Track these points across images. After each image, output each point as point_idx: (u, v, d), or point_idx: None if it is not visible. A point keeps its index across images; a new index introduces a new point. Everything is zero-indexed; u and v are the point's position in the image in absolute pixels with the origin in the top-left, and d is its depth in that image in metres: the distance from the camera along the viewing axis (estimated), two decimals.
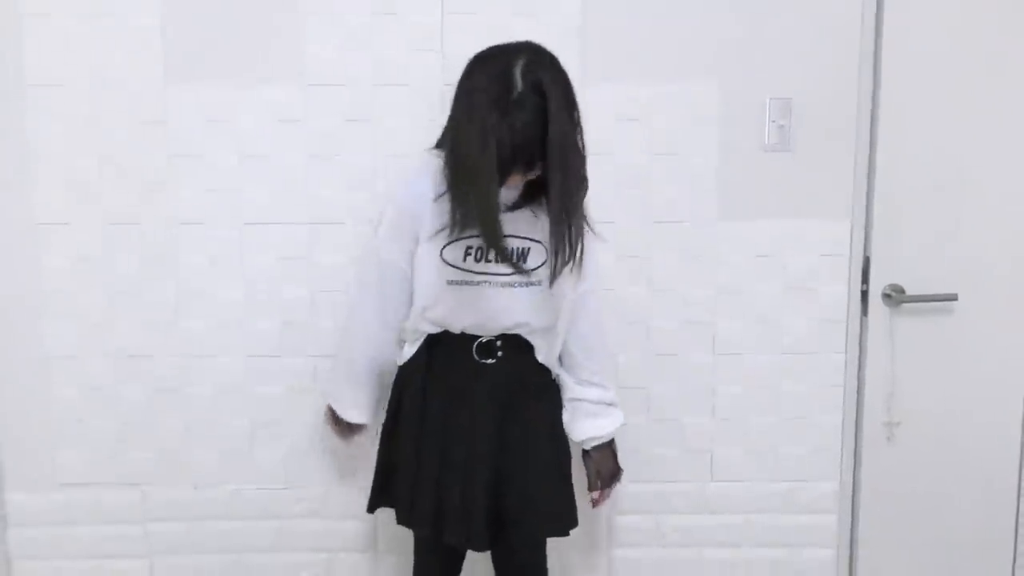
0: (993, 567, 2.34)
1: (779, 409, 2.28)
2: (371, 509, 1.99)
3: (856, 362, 2.27)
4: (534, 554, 1.99)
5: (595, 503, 1.95)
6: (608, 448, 1.94)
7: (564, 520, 1.89)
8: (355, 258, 2.15)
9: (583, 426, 1.91)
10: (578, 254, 1.76)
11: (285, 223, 2.15)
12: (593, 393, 1.91)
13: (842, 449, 2.29)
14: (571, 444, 1.94)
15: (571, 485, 1.93)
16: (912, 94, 2.16)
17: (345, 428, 2.07)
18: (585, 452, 1.94)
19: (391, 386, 1.97)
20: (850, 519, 2.33)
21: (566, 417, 1.92)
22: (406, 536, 2.25)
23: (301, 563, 2.30)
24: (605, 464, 1.95)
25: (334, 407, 2.04)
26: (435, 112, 2.10)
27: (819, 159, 2.18)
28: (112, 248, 2.16)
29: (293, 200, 2.15)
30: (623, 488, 2.27)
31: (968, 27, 2.15)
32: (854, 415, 2.29)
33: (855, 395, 2.28)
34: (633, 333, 2.21)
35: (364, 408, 2.01)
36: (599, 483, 1.94)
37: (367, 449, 2.13)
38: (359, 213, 2.14)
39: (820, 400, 2.27)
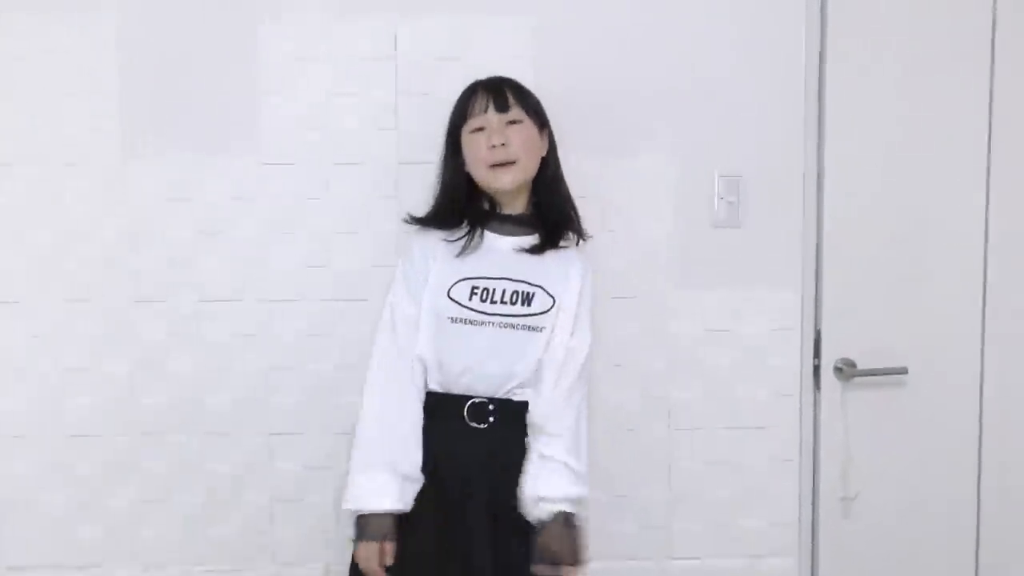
0: None
1: (736, 482, 2.27)
2: None
3: (811, 435, 2.28)
4: None
5: None
6: (565, 525, 1.78)
7: None
8: (310, 334, 2.16)
9: (537, 482, 1.79)
10: (576, 226, 1.95)
11: (241, 300, 2.16)
12: (554, 462, 1.80)
13: (799, 522, 2.28)
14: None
15: None
16: (857, 166, 2.22)
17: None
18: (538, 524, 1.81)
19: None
20: None
21: (525, 477, 1.80)
22: None
23: None
24: (559, 541, 1.76)
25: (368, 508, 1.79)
26: (390, 189, 2.14)
27: (768, 233, 2.22)
28: (68, 325, 2.15)
29: (250, 276, 2.16)
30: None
31: (910, 95, 2.22)
32: (811, 488, 2.29)
33: (811, 469, 2.29)
34: (592, 408, 2.21)
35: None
36: (543, 557, 1.75)
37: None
38: (314, 291, 2.16)
39: (776, 473, 2.27)
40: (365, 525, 1.79)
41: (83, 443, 2.18)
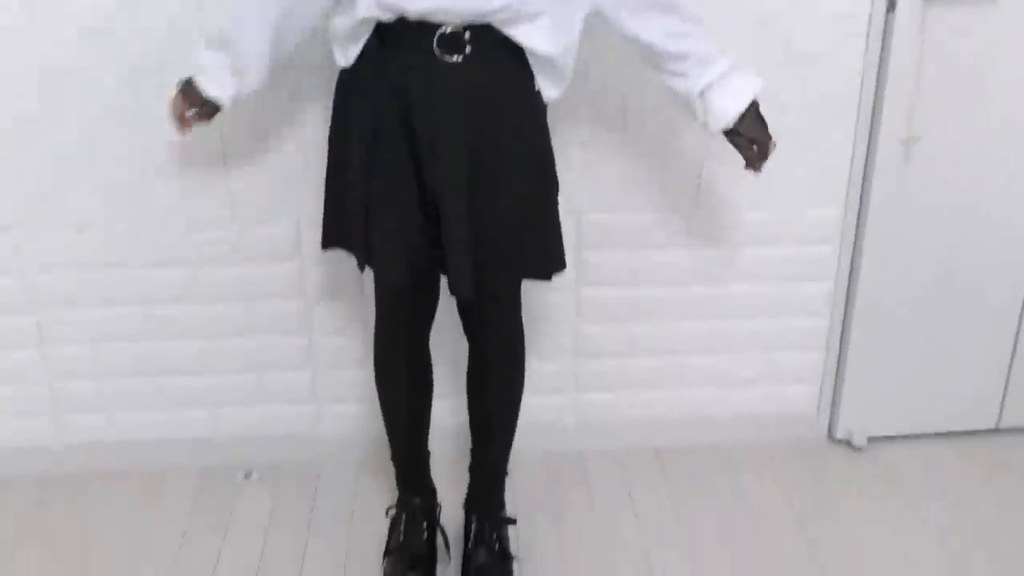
0: (1001, 318, 2.09)
1: (780, 123, 1.90)
2: (325, 246, 1.64)
3: (876, 67, 1.87)
4: (510, 304, 1.68)
5: (749, 167, 1.61)
6: (755, 113, 1.57)
7: (550, 260, 1.59)
8: None
9: (722, 104, 1.54)
10: None
11: None
12: (717, 66, 1.52)
13: (850, 168, 1.95)
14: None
15: (558, 218, 1.60)
16: None
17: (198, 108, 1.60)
18: (731, 131, 1.57)
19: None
20: (851, 251, 2.03)
21: (699, 106, 1.55)
22: (341, 276, 1.93)
23: (217, 314, 1.98)
24: (758, 131, 1.58)
25: (195, 77, 1.57)
26: None
27: None
28: None
29: None
30: (593, 223, 1.95)
31: None
32: (867, 130, 1.93)
33: (871, 107, 1.91)
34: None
35: (230, 77, 1.55)
36: (758, 152, 1.59)
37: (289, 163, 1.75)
38: None
39: (830, 113, 1.90)
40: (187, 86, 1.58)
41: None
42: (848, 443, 2.17)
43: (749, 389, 2.14)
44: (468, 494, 1.84)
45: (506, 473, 1.84)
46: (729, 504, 2.00)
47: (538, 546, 1.89)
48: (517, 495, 2.01)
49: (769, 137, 1.58)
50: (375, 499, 2.00)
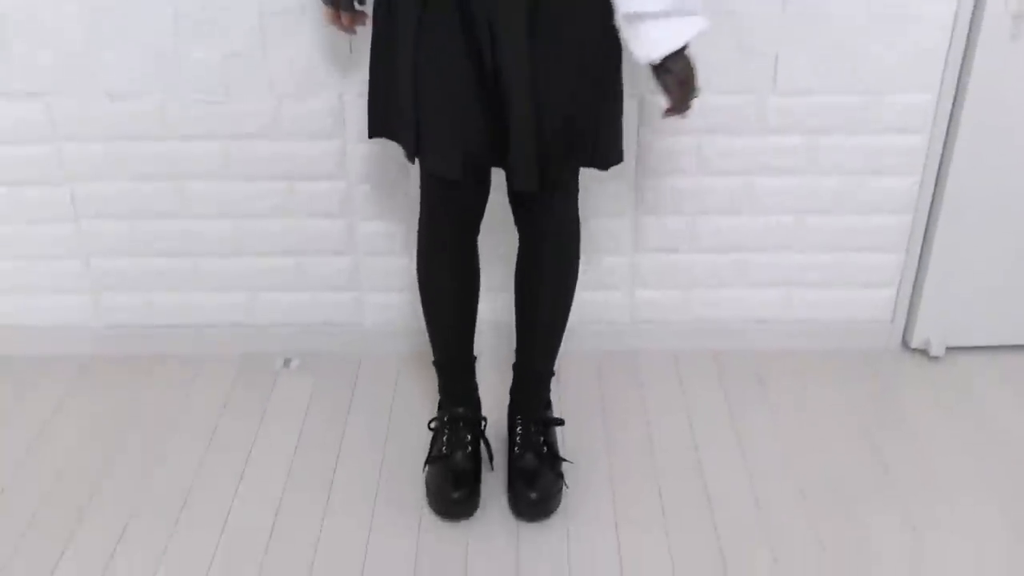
0: None
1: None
2: (372, 135, 1.53)
3: None
4: (569, 193, 1.56)
5: (670, 112, 1.39)
6: (684, 57, 1.35)
7: (611, 148, 1.48)
8: None
9: (650, 38, 1.31)
10: None
11: None
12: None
13: (949, 50, 1.76)
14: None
15: (621, 106, 1.48)
16: None
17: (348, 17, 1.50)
18: (658, 67, 1.34)
19: None
20: (943, 142, 1.84)
21: (627, 35, 1.33)
22: (386, 158, 1.82)
23: (254, 193, 1.88)
24: (684, 72, 1.35)
25: None
26: None
27: None
28: None
29: None
30: (657, 106, 1.78)
31: None
32: (972, 2, 1.72)
33: None
34: None
35: None
36: (677, 93, 1.36)
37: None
38: None
39: None
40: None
41: None
42: (924, 352, 2.02)
43: (818, 291, 2.00)
44: (513, 395, 1.74)
45: (553, 373, 1.73)
46: (790, 412, 1.88)
47: (588, 449, 1.79)
48: (566, 396, 1.91)
49: (696, 85, 1.37)
50: (417, 394, 1.92)
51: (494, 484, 1.72)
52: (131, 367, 2.01)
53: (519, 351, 1.70)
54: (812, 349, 2.03)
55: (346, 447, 1.80)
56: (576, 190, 1.57)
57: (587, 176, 1.59)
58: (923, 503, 1.66)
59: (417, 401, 1.88)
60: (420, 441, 1.76)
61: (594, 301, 1.99)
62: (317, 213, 1.91)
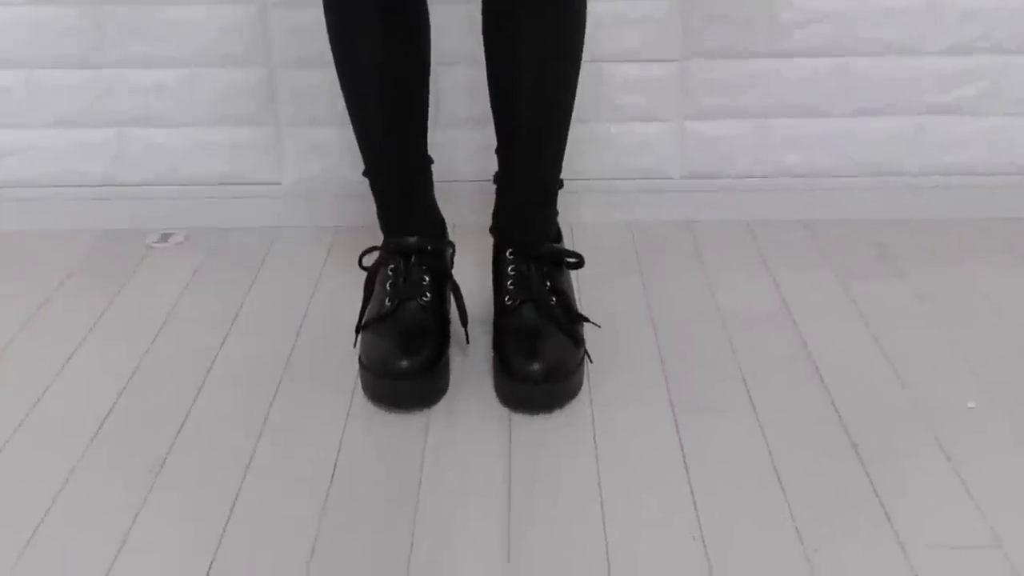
0: None
1: None
2: None
3: None
4: None
5: None
6: None
7: None
8: None
9: None
10: None
11: None
12: None
13: None
14: None
15: None
16: None
17: None
18: None
19: None
20: None
21: None
22: None
23: None
24: None
25: None
26: None
27: None
28: None
29: None
30: None
31: None
32: None
33: None
34: None
35: None
36: None
37: None
38: None
39: None
40: None
41: None
42: None
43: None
44: (497, 221, 1.10)
45: (560, 185, 1.09)
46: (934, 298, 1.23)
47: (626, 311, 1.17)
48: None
49: None
50: (343, 276, 1.26)
51: (470, 366, 1.06)
52: None
53: (501, 154, 1.07)
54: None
55: (238, 327, 1.15)
56: None
57: None
58: None
59: (343, 283, 1.23)
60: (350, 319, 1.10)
61: (626, 132, 1.36)
62: None
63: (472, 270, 1.21)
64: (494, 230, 1.09)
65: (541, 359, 0.98)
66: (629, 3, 1.30)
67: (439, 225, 1.12)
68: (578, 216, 1.36)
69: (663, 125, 1.37)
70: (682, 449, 0.92)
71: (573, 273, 1.11)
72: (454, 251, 1.11)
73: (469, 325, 1.06)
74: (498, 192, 1.08)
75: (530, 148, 1.05)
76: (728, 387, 1.01)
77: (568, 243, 1.24)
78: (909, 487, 0.86)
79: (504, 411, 0.99)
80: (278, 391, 1.02)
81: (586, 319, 1.05)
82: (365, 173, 1.08)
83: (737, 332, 1.12)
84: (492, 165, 1.07)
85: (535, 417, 0.98)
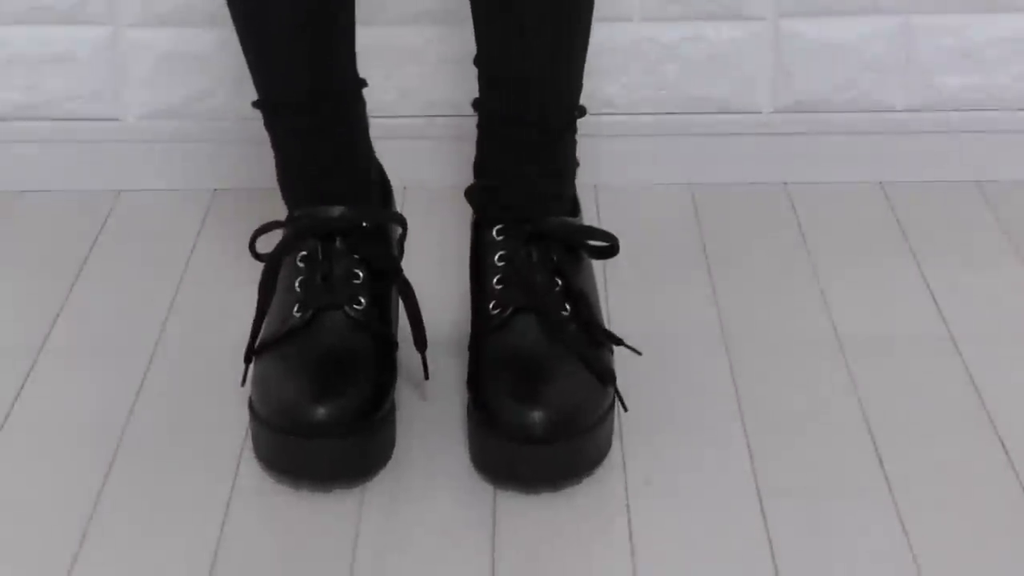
0: None
1: None
2: None
3: None
4: None
5: None
6: None
7: None
8: None
9: None
10: None
11: None
12: None
13: None
14: None
15: None
16: None
17: None
18: None
19: None
20: None
21: None
22: None
23: None
24: None
25: None
26: None
27: None
28: None
29: None
30: None
31: None
32: None
33: None
34: None
35: None
36: None
37: None
38: None
39: None
40: None
41: None
42: None
43: None
44: (478, 178, 0.76)
45: (574, 128, 0.74)
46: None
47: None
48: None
49: None
50: (221, 269, 0.89)
51: (430, 415, 0.75)
52: None
53: (483, 62, 0.74)
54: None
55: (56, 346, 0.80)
56: None
57: None
58: None
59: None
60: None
61: (673, 47, 0.99)
62: None
63: (435, 260, 0.85)
64: (472, 193, 0.74)
65: (545, 404, 0.66)
66: None
67: (379, 187, 0.78)
68: (607, 173, 0.98)
69: (748, 26, 0.97)
70: (772, 555, 0.59)
71: (599, 265, 0.78)
72: (405, 230, 0.76)
73: (429, 349, 0.71)
74: (480, 127, 0.75)
75: (533, 40, 0.71)
76: (850, 454, 0.68)
77: (590, 216, 0.88)
78: None
79: (486, 487, 0.66)
80: (115, 458, 0.67)
81: (619, 341, 0.72)
82: (256, 103, 0.73)
83: (862, 365, 0.77)
84: (469, 90, 0.72)
85: (534, 497, 0.65)
